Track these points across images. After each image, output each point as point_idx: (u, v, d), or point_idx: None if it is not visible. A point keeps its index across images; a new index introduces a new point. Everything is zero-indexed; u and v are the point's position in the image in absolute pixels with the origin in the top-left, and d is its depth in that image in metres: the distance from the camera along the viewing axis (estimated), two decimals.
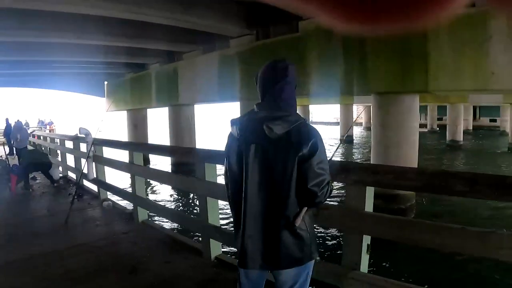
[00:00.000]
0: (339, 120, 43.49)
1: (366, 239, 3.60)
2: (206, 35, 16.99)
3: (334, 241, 10.07)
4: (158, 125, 29.47)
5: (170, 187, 17.70)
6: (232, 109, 21.84)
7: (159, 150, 8.02)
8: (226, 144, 2.86)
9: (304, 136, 2.56)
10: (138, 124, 26.64)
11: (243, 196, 2.69)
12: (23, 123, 17.96)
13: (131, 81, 26.02)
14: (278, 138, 2.57)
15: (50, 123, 44.68)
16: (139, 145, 7.97)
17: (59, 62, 22.19)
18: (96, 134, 9.05)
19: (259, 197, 2.66)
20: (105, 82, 30.06)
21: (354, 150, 31.89)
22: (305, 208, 2.65)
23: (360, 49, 12.50)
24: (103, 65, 23.84)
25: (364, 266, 3.61)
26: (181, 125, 21.78)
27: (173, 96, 20.83)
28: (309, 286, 2.94)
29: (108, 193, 9.60)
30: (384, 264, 8.79)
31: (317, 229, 8.71)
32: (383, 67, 12.12)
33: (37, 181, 13.02)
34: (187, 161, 19.44)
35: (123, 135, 26.65)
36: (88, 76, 28.03)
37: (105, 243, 6.56)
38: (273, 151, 2.59)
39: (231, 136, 2.81)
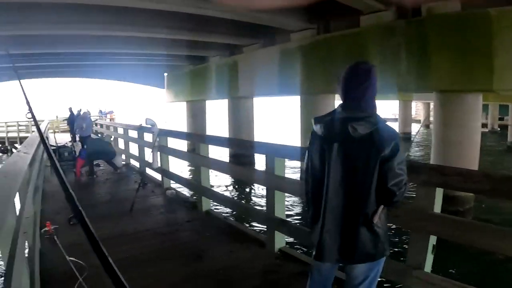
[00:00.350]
0: (397, 117, 42.60)
1: (432, 240, 3.59)
2: (267, 29, 17.02)
3: (397, 240, 9.98)
4: (216, 116, 29.74)
5: (229, 178, 17.97)
6: (291, 103, 21.86)
7: (228, 143, 8.13)
8: (309, 142, 2.97)
9: (386, 137, 2.64)
10: (197, 115, 26.99)
11: (324, 192, 2.79)
12: (85, 112, 18.44)
13: (191, 73, 26.37)
14: (360, 138, 2.65)
15: (111, 112, 45.80)
16: (206, 137, 8.09)
17: (121, 54, 22.80)
18: (161, 125, 9.28)
19: (340, 194, 2.76)
20: (165, 74, 30.59)
21: (412, 148, 31.22)
22: (382, 206, 2.74)
23: (422, 45, 12.30)
24: (164, 57, 24.26)
25: (428, 266, 3.61)
26: (240, 117, 21.94)
27: (233, 88, 20.99)
28: None
29: (171, 182, 9.87)
30: (446, 265, 8.70)
31: None
32: (446, 65, 11.89)
33: (101, 167, 13.48)
34: (244, 153, 19.68)
35: (182, 126, 27.06)
36: (148, 67, 28.55)
37: (169, 230, 6.78)
38: (356, 151, 2.68)
39: (314, 134, 2.92)
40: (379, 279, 3.05)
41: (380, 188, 2.68)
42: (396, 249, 9.38)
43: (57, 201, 8.79)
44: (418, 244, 3.71)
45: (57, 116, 23.80)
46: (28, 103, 3.08)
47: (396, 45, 12.69)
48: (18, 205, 4.03)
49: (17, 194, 3.74)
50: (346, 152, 2.71)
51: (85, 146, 13.38)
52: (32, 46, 17.85)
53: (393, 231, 10.33)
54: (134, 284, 3.77)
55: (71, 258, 3.61)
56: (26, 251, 3.95)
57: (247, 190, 17.53)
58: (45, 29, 15.06)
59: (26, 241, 4.05)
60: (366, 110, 2.71)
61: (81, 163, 12.30)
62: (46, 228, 5.13)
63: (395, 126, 36.41)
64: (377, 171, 2.64)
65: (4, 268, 2.64)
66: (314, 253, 2.95)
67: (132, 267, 5.03)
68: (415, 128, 41.43)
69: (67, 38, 17.62)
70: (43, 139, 3.57)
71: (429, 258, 3.62)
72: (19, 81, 3.35)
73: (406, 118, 40.89)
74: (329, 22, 15.41)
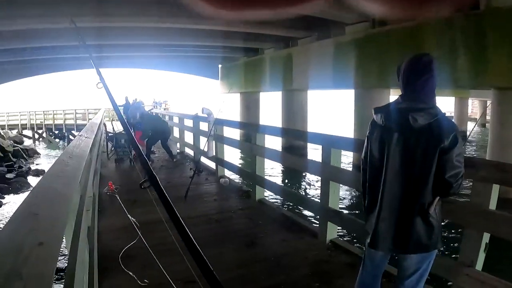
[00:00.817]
0: (452, 114, 41.42)
1: (486, 237, 3.54)
2: (322, 22, 16.92)
3: (450, 236, 9.82)
4: (270, 108, 29.84)
5: (282, 168, 18.08)
6: (346, 97, 21.68)
7: (284, 133, 8.16)
8: (369, 131, 2.99)
9: (446, 129, 2.64)
10: (250, 107, 27.13)
11: (382, 181, 2.82)
12: (138, 101, 18.79)
13: (245, 65, 26.51)
14: (420, 129, 2.67)
15: (165, 102, 46.67)
16: (262, 126, 8.14)
17: (177, 46, 23.12)
18: (217, 114, 9.41)
19: (398, 183, 2.78)
20: (220, 66, 30.87)
21: (467, 147, 30.46)
22: (438, 198, 2.74)
23: (480, 40, 11.96)
24: (219, 49, 24.47)
25: (479, 264, 3.56)
26: (294, 110, 21.91)
27: (287, 81, 20.98)
28: None
29: (225, 170, 10.00)
30: (499, 264, 8.50)
31: None
32: (505, 61, 11.52)
33: (156, 155, 13.78)
34: (298, 145, 19.68)
35: (235, 117, 27.30)
36: (203, 59, 28.88)
37: (222, 216, 6.91)
38: (415, 141, 2.69)
39: (374, 123, 2.94)
40: (429, 275, 3.05)
41: (437, 179, 2.68)
42: (449, 245, 9.24)
43: (114, 185, 9.07)
44: (471, 241, 3.66)
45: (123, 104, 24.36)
46: (108, 93, 3.20)
47: (453, 39, 12.38)
48: (81, 186, 4.21)
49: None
50: (405, 142, 2.73)
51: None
52: (105, 37, 18.45)
53: (446, 227, 10.19)
54: (192, 265, 3.90)
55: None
56: (87, 230, 4.12)
57: (300, 180, 17.59)
58: (100, 22, 15.50)
59: (87, 221, 4.21)
60: (426, 102, 2.72)
61: (140, 134, 12.70)
62: (108, 186, 5.33)
63: None
64: (436, 162, 2.65)
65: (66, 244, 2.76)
66: (368, 240, 3.00)
67: (185, 250, 5.21)
68: (471, 126, 40.32)
69: (127, 30, 18.05)
70: (127, 128, 3.73)
71: (481, 256, 3.57)
72: (97, 70, 3.46)
73: (461, 116, 39.71)
74: (385, 15, 15.15)
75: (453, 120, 2.81)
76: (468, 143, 30.84)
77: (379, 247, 2.94)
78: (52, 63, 26.29)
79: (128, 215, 4.62)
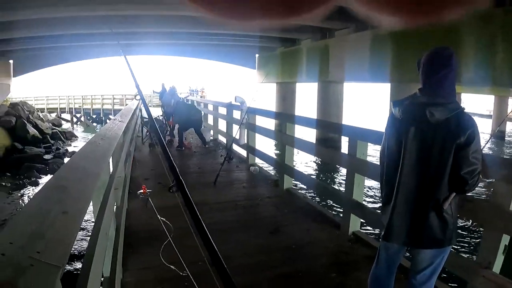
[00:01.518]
0: (491, 113, 40.15)
1: (505, 239, 3.44)
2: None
3: (469, 235, 9.73)
4: (305, 99, 29.76)
5: (311, 159, 18.12)
6: (381, 91, 21.47)
7: (313, 123, 8.19)
8: (386, 124, 3.02)
9: (463, 125, 2.65)
10: (286, 97, 27.08)
11: (398, 175, 2.86)
12: (172, 87, 18.90)
13: (282, 55, 26.43)
14: (438, 124, 2.68)
15: (202, 89, 47.15)
16: (292, 117, 8.20)
17: (214, 35, 23.26)
18: (250, 103, 9.50)
19: (414, 177, 2.81)
20: (256, 55, 30.89)
21: (504, 148, 29.67)
22: (454, 194, 2.75)
23: None
24: (256, 39, 24.44)
25: (497, 267, 3.49)
26: (329, 101, 21.73)
27: (323, 72, 20.81)
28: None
29: (256, 158, 10.13)
30: None
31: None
32: None
33: (190, 141, 13.99)
34: (331, 137, 19.61)
35: (271, 107, 27.32)
36: (240, 48, 28.84)
37: (249, 203, 7.04)
38: (432, 135, 2.71)
39: (392, 117, 2.97)
40: (446, 274, 3.06)
41: (453, 175, 2.70)
42: (468, 245, 9.17)
43: (147, 168, 9.35)
44: (490, 242, 3.59)
45: (153, 91, 24.64)
46: (134, 79, 3.33)
47: (492, 35, 12.08)
48: (111, 166, 4.40)
49: (111, 157, 4.08)
50: (422, 136, 2.75)
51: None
52: (134, 25, 18.72)
53: (466, 226, 10.10)
54: (217, 248, 4.03)
55: (162, 218, 3.89)
56: (115, 207, 4.30)
57: (330, 171, 17.65)
58: (142, 10, 15.72)
59: (115, 199, 4.39)
60: (445, 96, 2.73)
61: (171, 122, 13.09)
62: (142, 191, 5.55)
63: (489, 123, 34.41)
64: (452, 158, 2.67)
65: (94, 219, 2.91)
66: (382, 233, 3.04)
67: (215, 233, 5.35)
68: (510, 126, 39.18)
69: (166, 19, 18.27)
70: (150, 115, 3.90)
71: (499, 259, 3.49)
72: (125, 58, 3.58)
73: (500, 115, 38.49)
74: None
75: (471, 116, 2.77)
76: (506, 144, 30.10)
77: (393, 240, 2.98)
78: (90, 49, 26.70)
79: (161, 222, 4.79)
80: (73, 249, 9.10)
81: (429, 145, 2.72)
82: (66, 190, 2.14)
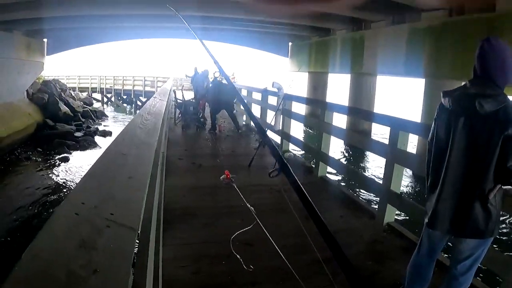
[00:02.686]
0: None
1: None
2: (397, 6, 16.44)
3: (507, 230, 9.63)
4: (337, 90, 29.64)
5: (343, 147, 18.08)
6: (415, 86, 21.20)
7: (353, 112, 8.14)
8: (436, 114, 3.05)
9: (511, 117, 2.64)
10: (318, 87, 26.94)
11: (446, 163, 2.88)
12: (204, 70, 18.85)
13: (316, 45, 26.30)
14: (486, 115, 2.68)
15: (232, 74, 47.09)
16: (331, 105, 8.15)
17: (248, 21, 23.16)
18: (287, 90, 9.48)
19: (461, 166, 2.83)
20: (290, 43, 30.80)
21: None
22: (499, 186, 2.75)
23: None
24: (288, 26, 24.31)
25: None
26: (362, 94, 21.48)
27: (357, 64, 20.64)
28: None
29: (290, 145, 10.11)
30: None
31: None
32: None
33: (222, 124, 14.06)
34: (363, 129, 19.51)
35: (301, 95, 27.25)
36: (273, 35, 28.79)
37: (284, 188, 7.02)
38: (481, 126, 2.71)
39: (441, 106, 3.00)
40: (483, 268, 3.05)
41: (500, 167, 2.70)
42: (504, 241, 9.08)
43: (180, 148, 9.48)
44: None
45: (186, 75, 24.76)
46: (216, 62, 3.34)
47: None
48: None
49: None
50: (471, 127, 2.76)
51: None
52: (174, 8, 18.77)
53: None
54: (253, 229, 4.06)
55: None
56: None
57: (362, 161, 17.69)
58: None
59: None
60: (494, 88, 2.72)
61: (203, 103, 13.24)
62: (225, 175, 5.65)
63: None
64: (499, 150, 2.66)
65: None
66: (426, 220, 3.07)
67: (249, 215, 5.45)
68: None
69: (199, 2, 18.23)
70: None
71: None
72: (200, 41, 3.58)
73: None
74: (463, 4, 14.54)
75: None
76: None
77: (437, 227, 3.01)
78: (125, 31, 26.94)
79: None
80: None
81: (477, 135, 2.73)
82: (126, 157, 2.18)
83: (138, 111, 4.51)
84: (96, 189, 1.60)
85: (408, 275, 3.36)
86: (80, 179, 1.77)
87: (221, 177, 5.47)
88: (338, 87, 28.52)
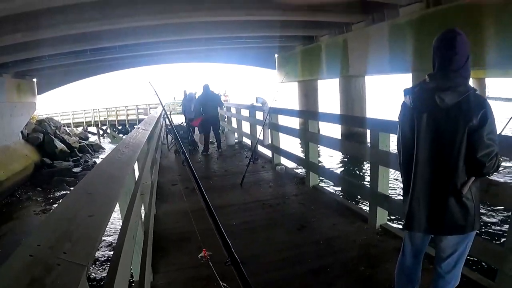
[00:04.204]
0: None
1: None
2: (375, 5, 16.55)
3: (496, 220, 9.60)
4: (328, 96, 29.72)
5: (337, 154, 18.12)
6: (403, 81, 21.26)
7: (333, 118, 8.17)
8: (400, 113, 3.02)
9: (474, 107, 2.60)
10: (308, 95, 27.03)
11: (414, 162, 2.86)
12: (191, 93, 18.90)
13: (301, 53, 26.39)
14: (448, 108, 2.66)
15: (224, 93, 47.35)
16: (313, 113, 8.21)
17: (232, 38, 23.37)
18: (271, 103, 9.54)
19: (429, 163, 2.80)
20: (276, 55, 30.95)
21: None
22: (472, 178, 2.72)
23: None
24: (274, 39, 24.38)
25: None
26: (352, 96, 21.57)
27: (344, 67, 20.69)
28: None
29: (281, 158, 10.13)
30: None
31: (482, 206, 8.29)
32: None
33: (214, 145, 14.11)
34: (357, 131, 19.55)
35: (293, 105, 27.32)
36: (259, 49, 28.89)
37: (276, 202, 7.10)
38: (444, 121, 2.69)
39: (404, 105, 2.97)
40: (473, 259, 3.03)
41: (469, 159, 2.66)
42: (495, 230, 9.07)
43: (174, 174, 9.53)
44: None
45: (174, 98, 24.95)
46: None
47: None
48: (137, 172, 4.50)
49: (136, 163, 4.18)
50: (434, 122, 2.74)
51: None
52: (161, 34, 19.07)
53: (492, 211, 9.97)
54: (246, 247, 4.12)
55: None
56: (143, 212, 4.40)
57: (354, 165, 17.67)
58: (159, 19, 15.85)
59: (143, 204, 4.49)
60: (453, 80, 2.69)
61: (198, 122, 13.27)
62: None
63: None
64: (465, 142, 2.63)
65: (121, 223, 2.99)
66: (404, 222, 3.04)
67: (244, 232, 5.60)
68: None
69: (179, 26, 18.37)
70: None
71: None
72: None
73: None
74: None
75: (484, 97, 2.73)
76: None
77: (414, 228, 2.97)
78: (110, 62, 27.12)
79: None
80: (104, 255, 9.36)
81: (442, 130, 2.71)
82: (92, 195, 2.22)
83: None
84: (54, 230, 1.64)
85: (396, 278, 3.35)
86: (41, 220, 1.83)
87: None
88: (329, 92, 28.58)
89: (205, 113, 12.87)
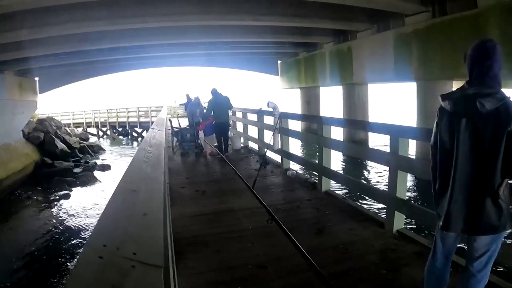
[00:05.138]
0: None
1: None
2: (380, 13, 16.59)
3: None
4: (330, 103, 29.79)
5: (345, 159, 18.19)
6: (406, 90, 21.28)
7: (350, 124, 8.15)
8: (437, 117, 3.11)
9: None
10: (310, 102, 27.02)
11: (453, 164, 2.94)
12: (196, 97, 18.89)
13: (304, 60, 26.43)
14: (488, 113, 2.77)
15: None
16: (327, 119, 8.18)
17: (235, 43, 23.34)
18: (282, 108, 9.53)
19: (469, 166, 2.89)
20: (279, 62, 30.97)
21: None
22: (507, 180, 2.83)
23: None
24: (276, 45, 24.51)
25: None
26: (355, 104, 21.52)
27: (347, 75, 20.74)
28: None
29: (290, 162, 10.14)
30: None
31: None
32: None
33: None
34: (360, 138, 19.56)
35: (295, 112, 27.33)
36: (261, 55, 28.93)
37: (290, 206, 7.07)
38: (483, 125, 2.80)
39: (442, 109, 3.06)
40: (498, 267, 3.09)
41: (506, 162, 2.77)
42: None
43: (181, 177, 9.51)
44: None
45: (174, 101, 24.92)
46: None
47: None
48: None
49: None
50: (474, 127, 2.84)
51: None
52: (167, 36, 19.06)
53: None
54: (265, 251, 4.10)
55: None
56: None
57: (364, 171, 17.86)
58: (166, 22, 15.86)
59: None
60: (492, 86, 2.82)
61: (203, 125, 13.32)
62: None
63: None
64: (503, 145, 2.75)
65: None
66: (440, 223, 3.10)
67: (261, 236, 5.56)
68: None
69: (190, 29, 18.37)
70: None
71: None
72: None
73: None
74: (445, 4, 14.60)
75: None
76: None
77: (451, 229, 3.05)
78: (113, 63, 27.10)
79: None
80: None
81: (481, 134, 2.81)
82: (137, 193, 2.18)
83: (139, 143, 4.55)
84: (114, 229, 1.60)
85: (426, 280, 3.39)
86: (97, 220, 1.78)
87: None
88: (331, 100, 28.63)
89: (217, 117, 12.85)
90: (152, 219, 1.77)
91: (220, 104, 12.80)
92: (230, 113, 14.09)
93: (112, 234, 1.53)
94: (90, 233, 4.13)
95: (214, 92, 12.94)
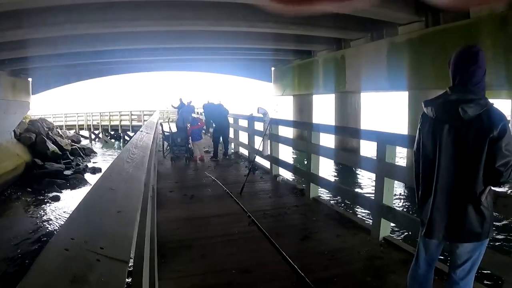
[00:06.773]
0: (509, 118, 39.60)
1: None
2: (374, 22, 16.69)
3: (502, 230, 9.69)
4: (323, 111, 29.83)
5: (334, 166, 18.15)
6: (398, 99, 21.32)
7: (338, 131, 8.16)
8: (420, 124, 3.12)
9: (494, 119, 2.73)
10: (303, 109, 27.06)
11: (436, 171, 2.93)
12: (189, 103, 18.91)
13: (298, 68, 26.47)
14: (470, 120, 2.76)
15: (220, 104, 47.28)
16: (316, 125, 8.20)
17: (230, 49, 23.32)
18: (272, 114, 9.53)
19: (451, 173, 2.89)
20: (272, 68, 31.01)
21: None
22: (489, 187, 2.84)
23: None
24: (271, 52, 24.49)
25: None
26: (347, 112, 21.54)
27: (340, 83, 20.77)
28: None
29: (280, 169, 10.11)
30: None
31: None
32: None
33: (211, 154, 14.05)
34: (351, 145, 19.60)
35: (287, 119, 27.36)
36: (256, 61, 28.94)
37: (277, 212, 7.06)
38: (466, 132, 2.80)
39: (424, 116, 3.07)
40: (483, 272, 3.09)
41: (488, 168, 2.78)
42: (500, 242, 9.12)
43: (170, 181, 9.49)
44: None
45: (171, 105, 24.83)
46: None
47: (509, 36, 11.92)
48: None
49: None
50: (456, 133, 2.84)
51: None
52: (161, 40, 19.06)
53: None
54: (251, 256, 4.08)
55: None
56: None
57: (353, 178, 17.90)
58: (162, 26, 15.92)
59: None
60: (475, 92, 2.82)
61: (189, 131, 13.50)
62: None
63: None
64: (485, 152, 2.74)
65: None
66: (423, 230, 3.10)
67: (247, 241, 5.56)
68: None
69: (179, 34, 18.38)
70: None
71: None
72: None
73: None
74: (439, 14, 14.68)
75: (501, 110, 2.84)
76: None
77: (434, 236, 3.04)
78: (107, 66, 27.07)
79: None
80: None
81: (464, 141, 2.82)
82: (115, 192, 2.17)
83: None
84: (85, 224, 1.59)
85: (409, 287, 3.38)
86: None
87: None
88: (324, 107, 28.65)
89: (218, 123, 13.31)
90: (126, 217, 1.76)
91: (218, 113, 13.15)
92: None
93: (82, 228, 1.53)
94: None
95: (207, 106, 13.21)
